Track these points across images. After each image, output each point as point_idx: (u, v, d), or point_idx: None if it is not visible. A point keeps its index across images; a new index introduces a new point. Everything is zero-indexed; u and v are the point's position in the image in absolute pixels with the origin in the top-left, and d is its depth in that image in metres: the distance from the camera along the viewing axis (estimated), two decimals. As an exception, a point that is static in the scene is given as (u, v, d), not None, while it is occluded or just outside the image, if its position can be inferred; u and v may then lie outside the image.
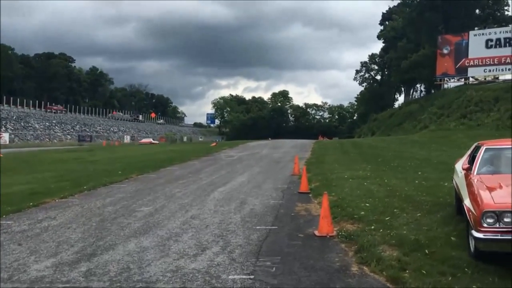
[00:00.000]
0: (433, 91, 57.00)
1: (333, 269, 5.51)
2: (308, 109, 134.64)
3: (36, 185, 13.68)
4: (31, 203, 10.04)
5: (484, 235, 4.83)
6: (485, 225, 4.86)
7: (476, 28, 48.59)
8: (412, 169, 14.95)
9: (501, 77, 44.34)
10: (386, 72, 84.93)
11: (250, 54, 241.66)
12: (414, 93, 77.15)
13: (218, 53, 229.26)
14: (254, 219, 8.47)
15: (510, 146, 6.75)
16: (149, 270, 5.51)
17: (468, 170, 6.51)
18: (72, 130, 74.24)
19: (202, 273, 5.41)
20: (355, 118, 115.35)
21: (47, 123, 70.48)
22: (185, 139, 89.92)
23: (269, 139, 61.59)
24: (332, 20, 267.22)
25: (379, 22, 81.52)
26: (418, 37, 55.00)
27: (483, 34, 43.64)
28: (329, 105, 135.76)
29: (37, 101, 79.73)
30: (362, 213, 8.29)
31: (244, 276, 5.28)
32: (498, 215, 4.81)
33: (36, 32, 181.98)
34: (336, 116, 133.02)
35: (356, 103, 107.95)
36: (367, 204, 9.04)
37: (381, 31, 78.62)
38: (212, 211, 9.29)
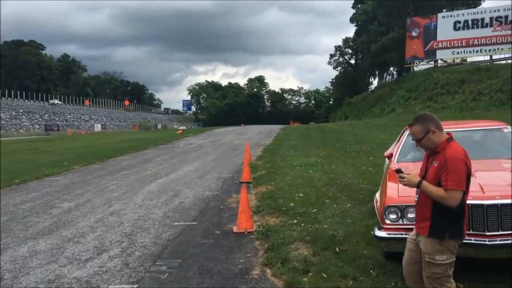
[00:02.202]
0: (404, 74, 56.88)
1: (232, 273, 4.92)
2: (284, 94, 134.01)
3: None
4: None
5: (386, 233, 4.27)
6: (387, 221, 4.30)
7: (444, 10, 48.28)
8: (366, 155, 14.48)
9: (469, 59, 44.28)
10: (360, 56, 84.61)
11: (228, 40, 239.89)
12: (388, 76, 77.10)
13: (196, 39, 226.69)
14: (177, 214, 7.84)
15: (455, 128, 6.21)
16: (22, 281, 4.84)
17: (390, 158, 5.97)
18: (40, 119, 72.22)
19: (82, 282, 4.77)
20: (331, 102, 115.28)
21: (13, 113, 68.40)
22: (159, 126, 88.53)
23: (242, 125, 60.94)
24: (307, 4, 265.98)
25: (351, 5, 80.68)
26: (388, 20, 54.57)
27: (451, 16, 43.25)
28: (305, 90, 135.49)
29: (6, 90, 77.18)
30: (292, 204, 7.73)
31: (126, 286, 4.66)
32: (402, 210, 4.25)
33: (7, 20, 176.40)
34: (313, 101, 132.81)
35: (331, 87, 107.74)
36: (301, 195, 8.48)
37: (354, 14, 77.93)
38: (137, 205, 8.63)
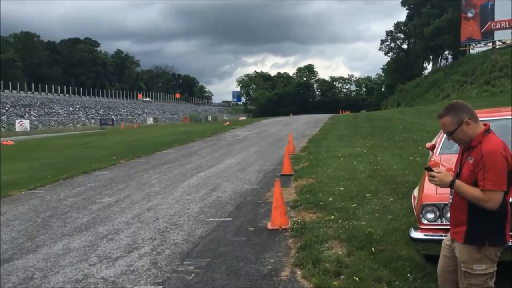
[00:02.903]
0: (460, 57, 54.26)
1: (260, 274, 4.69)
2: (334, 83, 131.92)
3: (21, 175, 13.33)
4: (-8, 197, 9.57)
5: (423, 235, 3.87)
6: (424, 221, 3.90)
7: (502, -12, 45.43)
8: (415, 144, 13.79)
9: (531, 39, 41.52)
10: (412, 40, 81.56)
11: (276, 30, 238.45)
12: (442, 60, 73.94)
13: (244, 30, 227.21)
14: (213, 209, 7.69)
15: (493, 117, 5.67)
16: (51, 281, 4.83)
17: (432, 149, 5.50)
18: (96, 114, 74.89)
19: (108, 283, 4.69)
20: (383, 89, 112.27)
21: (71, 108, 71.29)
22: (209, 118, 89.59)
23: (291, 115, 60.48)
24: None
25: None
26: (442, 1, 52.03)
27: (509, -6, 40.68)
28: (356, 78, 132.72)
29: (64, 87, 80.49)
30: (330, 199, 7.39)
31: (150, 287, 4.53)
32: (441, 209, 3.84)
33: (64, 19, 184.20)
34: (364, 89, 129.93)
35: (383, 74, 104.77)
36: (341, 188, 8.12)
37: (406, -3, 74.97)
38: (175, 200, 8.57)
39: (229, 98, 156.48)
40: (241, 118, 66.19)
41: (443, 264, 3.00)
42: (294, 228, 6.06)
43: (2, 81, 66.61)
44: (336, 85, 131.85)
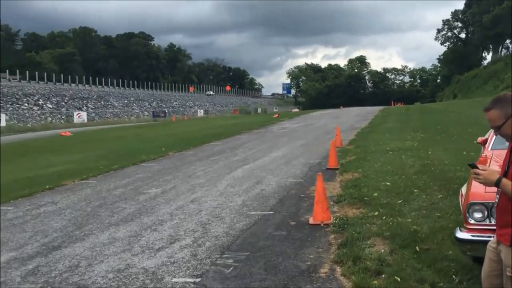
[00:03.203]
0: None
1: (298, 270, 4.62)
2: (387, 74, 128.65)
3: (76, 165, 13.84)
4: (47, 186, 9.99)
5: (470, 235, 3.65)
6: (471, 221, 3.68)
7: None
8: (470, 138, 13.15)
9: None
10: (471, 29, 78.10)
11: (327, 21, 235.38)
12: (503, 50, 70.32)
13: (295, 22, 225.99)
14: (255, 202, 7.68)
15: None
16: (95, 270, 4.96)
17: (484, 144, 5.20)
18: (149, 106, 76.85)
19: (148, 273, 4.76)
20: (438, 81, 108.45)
21: (125, 101, 73.53)
22: (259, 110, 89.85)
23: (341, 107, 59.64)
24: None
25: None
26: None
27: None
28: (410, 69, 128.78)
29: (120, 80, 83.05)
30: (375, 194, 7.18)
31: (188, 279, 4.55)
32: (489, 208, 3.61)
33: (120, 15, 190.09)
34: (418, 80, 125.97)
35: (439, 65, 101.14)
36: (388, 183, 7.87)
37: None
38: (219, 193, 8.62)
39: (279, 90, 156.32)
40: (293, 110, 66.00)
41: (488, 268, 2.81)
42: (336, 224, 5.94)
43: (62, 75, 69.68)
44: (389, 77, 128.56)
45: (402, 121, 22.04)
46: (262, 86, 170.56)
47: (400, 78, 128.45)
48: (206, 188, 9.14)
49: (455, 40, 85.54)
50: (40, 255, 5.49)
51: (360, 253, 4.75)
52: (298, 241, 5.54)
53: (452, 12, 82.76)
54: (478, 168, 2.61)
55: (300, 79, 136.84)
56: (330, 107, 67.72)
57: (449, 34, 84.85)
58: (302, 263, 4.81)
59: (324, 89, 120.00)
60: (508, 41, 66.87)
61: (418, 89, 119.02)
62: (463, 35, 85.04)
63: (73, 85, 69.88)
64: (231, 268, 4.76)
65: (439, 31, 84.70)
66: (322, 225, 6.07)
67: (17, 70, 63.57)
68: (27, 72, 63.35)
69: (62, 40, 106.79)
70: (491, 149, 4.92)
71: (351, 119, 26.59)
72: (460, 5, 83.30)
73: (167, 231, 6.27)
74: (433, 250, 4.63)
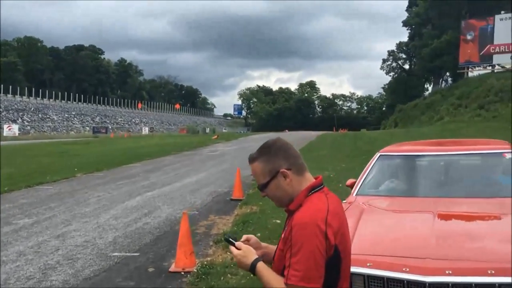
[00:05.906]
0: (459, 80, 53.38)
1: None
2: (335, 100, 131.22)
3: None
4: None
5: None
6: None
7: (502, 12, 44.55)
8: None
9: (531, 64, 40.61)
10: (413, 61, 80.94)
11: (283, 46, 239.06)
12: (443, 82, 73.03)
13: (252, 45, 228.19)
14: (128, 240, 6.73)
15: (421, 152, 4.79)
16: None
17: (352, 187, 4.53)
18: (91, 121, 74.23)
19: None
20: (384, 109, 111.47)
21: (66, 115, 70.66)
22: (207, 130, 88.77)
23: (286, 131, 59.64)
24: (362, 10, 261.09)
25: (405, 9, 77.21)
26: (442, 22, 51.28)
27: (509, 18, 39.83)
28: (357, 96, 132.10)
29: (66, 93, 79.87)
30: (259, 234, 6.41)
31: None
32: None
33: (73, 28, 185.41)
34: (365, 107, 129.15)
35: (384, 93, 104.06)
36: (278, 221, 7.14)
37: (407, 17, 74.44)
38: (96, 226, 7.61)
39: (232, 111, 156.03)
40: (241, 131, 65.30)
41: None
42: (195, 274, 5.09)
43: (2, 85, 66.00)
44: (337, 103, 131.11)
45: (335, 148, 21.77)
46: (215, 106, 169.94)
47: (348, 104, 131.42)
48: (86, 219, 8.11)
49: (399, 70, 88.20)
50: None
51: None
52: (142, 296, 4.65)
53: (397, 44, 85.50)
54: (234, 244, 1.85)
55: (251, 101, 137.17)
56: (279, 130, 67.75)
57: (394, 64, 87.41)
58: (127, 328, 3.91)
59: (274, 112, 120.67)
60: (448, 73, 69.53)
61: (365, 116, 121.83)
62: (407, 66, 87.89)
63: (9, 96, 66.41)
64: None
65: (384, 61, 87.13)
66: (183, 273, 5.21)
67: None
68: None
69: (6, 49, 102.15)
70: (356, 194, 4.22)
71: (286, 144, 26.12)
72: (405, 37, 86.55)
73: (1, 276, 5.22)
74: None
